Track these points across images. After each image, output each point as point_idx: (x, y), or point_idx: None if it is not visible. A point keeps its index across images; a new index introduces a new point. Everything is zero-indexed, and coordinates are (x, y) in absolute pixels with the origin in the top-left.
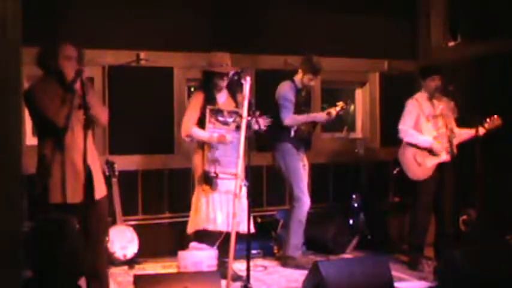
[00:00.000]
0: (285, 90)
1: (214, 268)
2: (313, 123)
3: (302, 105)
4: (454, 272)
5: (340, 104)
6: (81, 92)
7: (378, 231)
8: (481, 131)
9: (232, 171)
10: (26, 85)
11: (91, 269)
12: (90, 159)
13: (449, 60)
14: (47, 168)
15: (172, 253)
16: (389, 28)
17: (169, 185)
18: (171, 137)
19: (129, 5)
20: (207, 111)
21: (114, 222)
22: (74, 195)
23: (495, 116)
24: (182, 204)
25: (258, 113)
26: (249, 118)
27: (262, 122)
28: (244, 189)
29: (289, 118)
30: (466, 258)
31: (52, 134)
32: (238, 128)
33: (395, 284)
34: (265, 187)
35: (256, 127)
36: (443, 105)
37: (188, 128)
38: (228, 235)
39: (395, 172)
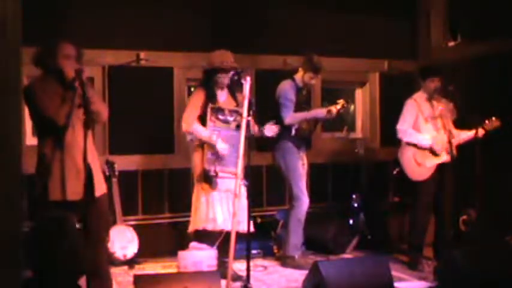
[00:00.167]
0: (286, 89)
1: (214, 268)
2: (315, 122)
3: (303, 104)
4: (454, 272)
5: (341, 101)
6: (81, 91)
7: (377, 231)
8: (481, 132)
9: (232, 170)
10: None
11: (91, 267)
12: (90, 157)
13: (449, 60)
14: (47, 167)
15: (172, 253)
16: (389, 28)
17: (169, 185)
18: (171, 136)
19: (129, 5)
20: (208, 109)
21: (114, 222)
22: (74, 192)
23: (493, 118)
24: (182, 204)
25: (271, 122)
26: (249, 118)
27: (274, 130)
28: (243, 189)
29: (290, 117)
30: (466, 258)
31: (52, 133)
32: (238, 127)
33: (395, 284)
34: (265, 187)
35: (268, 134)
36: (442, 107)
37: (189, 123)
38: (228, 235)
39: (395, 172)
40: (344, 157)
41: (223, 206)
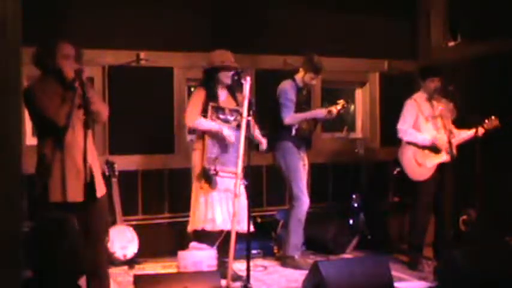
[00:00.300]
0: (286, 89)
1: (214, 268)
2: (315, 122)
3: (303, 104)
4: (454, 272)
5: (341, 102)
6: (81, 91)
7: (377, 231)
8: (481, 131)
9: (231, 169)
10: (25, 85)
11: (91, 268)
12: (90, 158)
13: (449, 60)
14: (47, 168)
15: (172, 253)
16: (389, 28)
17: (169, 185)
18: (171, 137)
19: (129, 5)
20: (209, 108)
21: (114, 222)
22: (75, 194)
23: (493, 117)
24: (182, 204)
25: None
26: (249, 118)
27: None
28: (242, 188)
29: (290, 117)
30: (466, 258)
31: (52, 133)
32: (239, 126)
33: (395, 284)
34: (265, 187)
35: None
36: (442, 106)
37: (192, 118)
38: (227, 235)
39: (395, 172)
40: (344, 157)
41: (223, 206)
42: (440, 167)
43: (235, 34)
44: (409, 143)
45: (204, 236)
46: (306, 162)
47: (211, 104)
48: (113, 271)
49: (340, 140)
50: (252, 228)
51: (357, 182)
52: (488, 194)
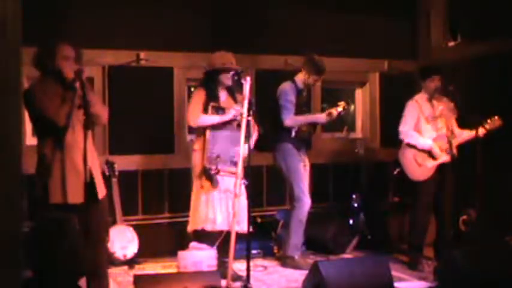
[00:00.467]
0: (286, 91)
1: (214, 268)
2: (314, 124)
3: (303, 105)
4: (454, 272)
5: (342, 104)
6: (81, 92)
7: (378, 231)
8: (481, 131)
9: (232, 169)
10: (25, 85)
11: (91, 268)
12: (90, 158)
13: (449, 60)
14: (47, 168)
15: (172, 253)
16: (389, 28)
17: (169, 185)
18: (171, 137)
19: (129, 5)
20: (209, 108)
21: (114, 222)
22: (75, 195)
23: (496, 117)
24: (182, 204)
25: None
26: (249, 118)
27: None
28: (243, 188)
29: (290, 119)
30: (466, 258)
31: (52, 134)
32: (239, 126)
33: (395, 284)
34: (265, 187)
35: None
36: (443, 106)
37: (195, 117)
38: (228, 235)
39: (395, 172)
40: (344, 157)
41: (223, 206)
42: (441, 167)
43: (235, 34)
44: (410, 145)
45: (204, 236)
46: (307, 163)
47: (211, 104)
48: (113, 271)
49: (340, 140)
50: (251, 229)
51: (357, 182)
52: (488, 194)
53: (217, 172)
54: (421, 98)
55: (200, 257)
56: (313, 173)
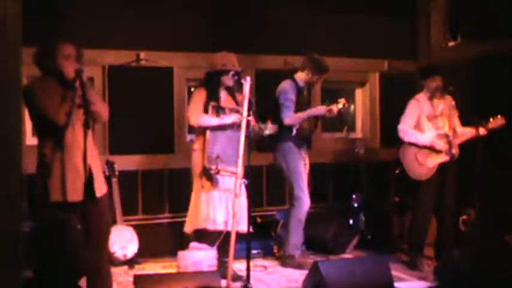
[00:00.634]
0: (286, 89)
1: (214, 268)
2: (315, 121)
3: (304, 104)
4: (454, 272)
5: (342, 100)
6: (81, 91)
7: (378, 231)
8: (482, 131)
9: (232, 169)
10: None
11: (92, 268)
12: (90, 157)
13: (449, 60)
14: (47, 168)
15: (172, 253)
16: (389, 28)
17: (169, 185)
18: (172, 136)
19: (129, 5)
20: (210, 108)
21: (114, 222)
22: (74, 193)
23: (499, 116)
24: (182, 204)
25: (270, 121)
26: (249, 118)
27: (273, 128)
28: (243, 188)
29: (290, 117)
30: (466, 258)
31: (52, 133)
32: (239, 126)
33: (395, 284)
34: (265, 187)
35: (266, 132)
36: (444, 105)
37: (196, 116)
38: (228, 235)
39: (397, 172)
40: (344, 157)
41: (223, 206)
42: (442, 166)
43: (235, 34)
44: (410, 143)
45: (205, 236)
46: (308, 162)
47: (211, 103)
48: (113, 271)
49: (340, 140)
50: (251, 229)
51: (357, 182)
52: (488, 193)
53: (218, 172)
54: (422, 97)
55: (200, 257)
56: (314, 173)
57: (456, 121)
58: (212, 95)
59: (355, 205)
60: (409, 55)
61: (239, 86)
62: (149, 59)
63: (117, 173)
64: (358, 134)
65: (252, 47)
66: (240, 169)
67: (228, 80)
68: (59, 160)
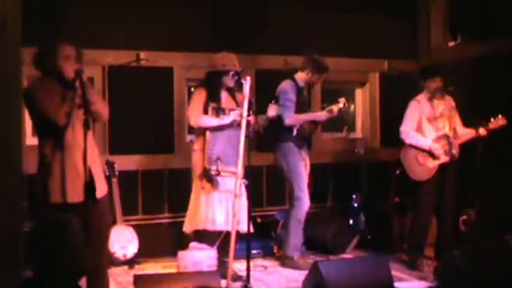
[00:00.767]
0: (286, 89)
1: (214, 268)
2: (316, 122)
3: (304, 104)
4: (454, 272)
5: (342, 100)
6: (81, 91)
7: (378, 231)
8: (482, 131)
9: (232, 169)
10: (25, 84)
11: (92, 268)
12: (90, 157)
13: (449, 60)
14: (48, 168)
15: (172, 253)
16: (389, 28)
17: (169, 185)
18: (172, 136)
19: (129, 5)
20: (210, 108)
21: (114, 222)
22: (74, 194)
23: (499, 116)
24: (182, 204)
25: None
26: (249, 118)
27: (276, 109)
28: (243, 188)
29: (290, 117)
30: (466, 258)
31: (52, 133)
32: (239, 126)
33: (395, 284)
34: (265, 187)
35: (270, 114)
36: (444, 106)
37: (196, 117)
38: (228, 235)
39: (397, 172)
40: (344, 157)
41: (223, 206)
42: (442, 167)
43: (235, 34)
44: (411, 145)
45: (204, 236)
46: (308, 162)
47: (211, 104)
48: (113, 271)
49: (340, 140)
50: (251, 229)
51: (357, 182)
52: (488, 193)
53: (218, 173)
54: (422, 98)
55: (200, 257)
56: (314, 173)
57: (457, 121)
58: (213, 96)
59: (355, 205)
60: (409, 55)
61: (239, 86)
62: (149, 59)
63: (117, 173)
64: (358, 134)
65: (252, 47)
66: (240, 169)
67: (229, 81)
68: (59, 160)
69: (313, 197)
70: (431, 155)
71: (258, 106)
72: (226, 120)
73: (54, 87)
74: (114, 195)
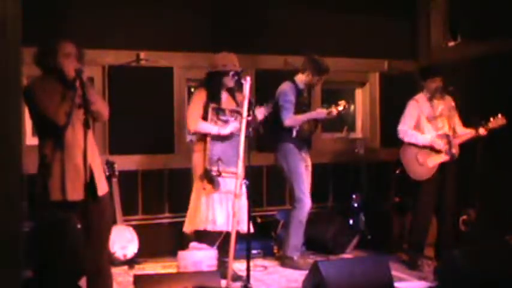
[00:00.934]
0: (285, 91)
1: (214, 268)
2: (315, 123)
3: (304, 105)
4: (454, 272)
5: (342, 102)
6: (81, 91)
7: (378, 231)
8: (481, 131)
9: (233, 170)
10: (25, 83)
11: (93, 268)
12: (91, 157)
13: (449, 60)
14: (48, 167)
15: (172, 253)
16: (389, 28)
17: (169, 185)
18: (171, 136)
19: (129, 5)
20: (210, 109)
21: (114, 222)
22: (74, 192)
23: (499, 115)
24: (182, 204)
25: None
26: (249, 118)
27: (263, 111)
28: (244, 188)
29: (290, 119)
30: (466, 258)
31: (52, 133)
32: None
33: (395, 284)
34: (265, 187)
35: (260, 117)
36: (443, 106)
37: (195, 122)
38: (228, 235)
39: (397, 172)
40: (344, 157)
41: (223, 207)
42: (442, 166)
43: (235, 34)
44: (410, 144)
45: (204, 236)
46: (309, 163)
47: (212, 105)
48: (113, 271)
49: (340, 140)
50: (251, 229)
51: (357, 182)
52: (488, 193)
53: (219, 174)
54: (421, 97)
55: (200, 257)
56: (314, 173)
57: (457, 121)
58: (213, 96)
59: (355, 205)
60: (409, 55)
61: (239, 86)
62: (149, 59)
63: (117, 173)
64: (358, 134)
65: (252, 47)
66: (240, 169)
67: (229, 81)
68: (59, 160)
69: (313, 197)
70: (433, 151)
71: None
72: (223, 130)
73: (54, 87)
74: (114, 195)
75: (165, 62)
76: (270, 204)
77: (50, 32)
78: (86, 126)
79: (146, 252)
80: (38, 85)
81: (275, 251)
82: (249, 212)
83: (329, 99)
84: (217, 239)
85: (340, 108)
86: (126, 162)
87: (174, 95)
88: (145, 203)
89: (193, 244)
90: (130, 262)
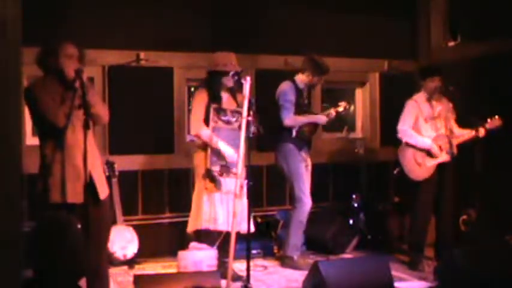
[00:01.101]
0: (285, 91)
1: (214, 268)
2: (315, 124)
3: (304, 105)
4: (454, 272)
5: (343, 104)
6: (81, 92)
7: (378, 231)
8: (481, 132)
9: (233, 170)
10: (25, 85)
11: (92, 269)
12: (91, 158)
13: (449, 60)
14: (48, 168)
15: (172, 253)
16: (389, 28)
17: (169, 185)
18: (171, 137)
19: (129, 5)
20: (211, 109)
21: (114, 222)
22: (74, 194)
23: (496, 117)
24: (182, 204)
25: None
26: (249, 118)
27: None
28: (244, 189)
29: (290, 119)
30: (466, 258)
31: (52, 134)
32: (240, 127)
33: (395, 284)
34: (265, 187)
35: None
36: (441, 107)
37: (198, 127)
38: (228, 235)
39: (395, 172)
40: (344, 157)
41: (224, 206)
42: (441, 166)
43: (235, 34)
44: (409, 144)
45: (205, 236)
46: (309, 163)
47: (213, 105)
48: (113, 271)
49: (340, 140)
50: (252, 229)
51: (357, 182)
52: (488, 193)
53: (221, 174)
54: (420, 97)
55: (200, 257)
56: (314, 173)
57: (453, 123)
58: (214, 97)
59: (355, 205)
60: (409, 55)
61: (239, 86)
62: (149, 59)
63: (117, 173)
64: (358, 134)
65: (252, 47)
66: (240, 170)
67: (229, 81)
68: (59, 161)
69: (313, 197)
70: (430, 154)
71: (258, 106)
72: (222, 148)
73: (55, 88)
74: (114, 195)
75: (165, 62)
76: (270, 204)
77: (50, 32)
78: (86, 127)
79: (146, 252)
80: (38, 86)
81: (275, 251)
82: (249, 212)
83: (329, 98)
84: (217, 239)
85: (340, 109)
86: (126, 163)
87: (174, 95)
88: (145, 203)
89: (193, 244)
90: (130, 262)
